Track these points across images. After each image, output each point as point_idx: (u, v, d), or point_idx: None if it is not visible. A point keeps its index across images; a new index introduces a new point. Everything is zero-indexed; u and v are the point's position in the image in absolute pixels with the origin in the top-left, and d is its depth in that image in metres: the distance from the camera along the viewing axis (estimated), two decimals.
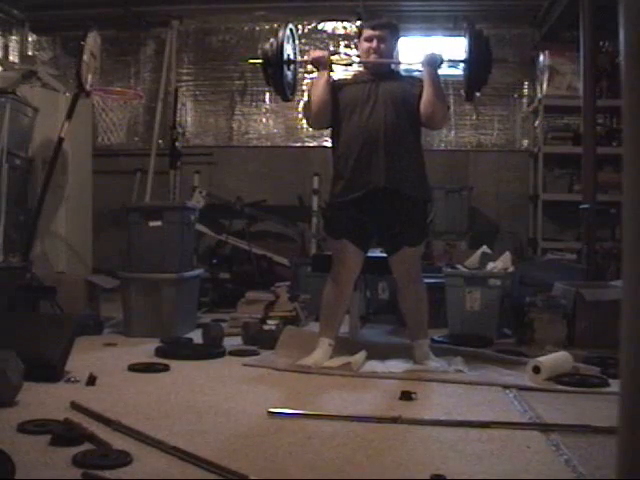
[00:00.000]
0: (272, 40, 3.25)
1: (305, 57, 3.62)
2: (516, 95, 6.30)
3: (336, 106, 3.27)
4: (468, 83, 3.24)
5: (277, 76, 3.24)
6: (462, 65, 3.26)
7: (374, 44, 3.34)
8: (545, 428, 2.23)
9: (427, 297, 3.33)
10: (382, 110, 3.18)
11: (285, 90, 3.32)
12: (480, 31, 3.16)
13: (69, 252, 4.90)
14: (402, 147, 3.18)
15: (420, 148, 3.33)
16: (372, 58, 3.36)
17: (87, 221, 5.30)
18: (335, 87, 3.33)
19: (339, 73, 6.04)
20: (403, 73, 3.88)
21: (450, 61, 3.39)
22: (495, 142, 6.31)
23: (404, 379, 2.96)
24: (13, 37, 6.53)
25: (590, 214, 4.60)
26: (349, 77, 3.53)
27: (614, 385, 2.76)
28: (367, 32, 3.39)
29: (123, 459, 1.86)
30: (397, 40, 3.46)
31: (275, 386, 2.86)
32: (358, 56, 3.50)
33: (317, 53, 3.46)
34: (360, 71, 3.60)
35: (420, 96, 3.23)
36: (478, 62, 3.11)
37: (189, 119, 6.53)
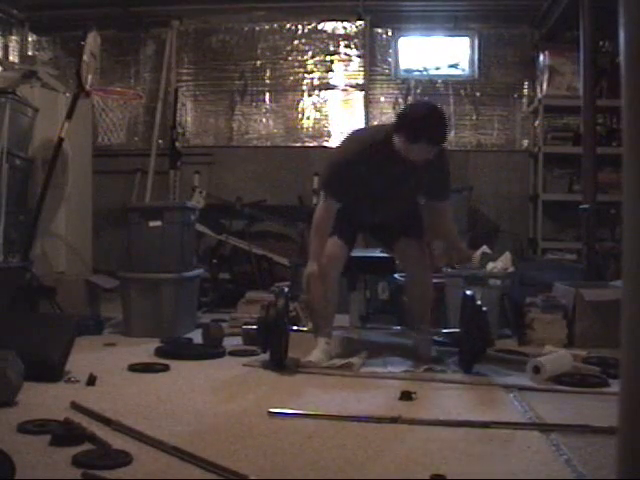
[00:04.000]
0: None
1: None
2: (516, 95, 6.30)
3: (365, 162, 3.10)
4: (466, 357, 3.12)
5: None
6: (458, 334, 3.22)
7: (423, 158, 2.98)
8: (545, 428, 2.23)
9: (433, 288, 3.40)
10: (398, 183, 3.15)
11: None
12: (480, 308, 3.08)
13: (69, 252, 4.90)
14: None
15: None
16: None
17: (87, 221, 5.30)
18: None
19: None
20: None
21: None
22: (495, 142, 6.31)
23: (404, 379, 2.97)
24: (13, 37, 6.53)
25: (590, 214, 4.60)
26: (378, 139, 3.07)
27: (614, 385, 2.76)
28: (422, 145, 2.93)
29: (123, 459, 1.86)
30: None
31: (275, 386, 2.85)
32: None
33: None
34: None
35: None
36: (474, 337, 3.04)
37: (189, 119, 6.52)
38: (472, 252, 3.27)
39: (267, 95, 6.45)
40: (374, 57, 6.38)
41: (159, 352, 3.41)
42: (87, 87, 4.30)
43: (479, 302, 3.06)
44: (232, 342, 3.72)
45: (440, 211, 3.28)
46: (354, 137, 3.26)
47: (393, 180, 3.11)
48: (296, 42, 6.43)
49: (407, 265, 3.43)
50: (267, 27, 6.45)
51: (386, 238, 3.49)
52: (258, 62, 6.45)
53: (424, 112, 2.93)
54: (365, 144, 3.08)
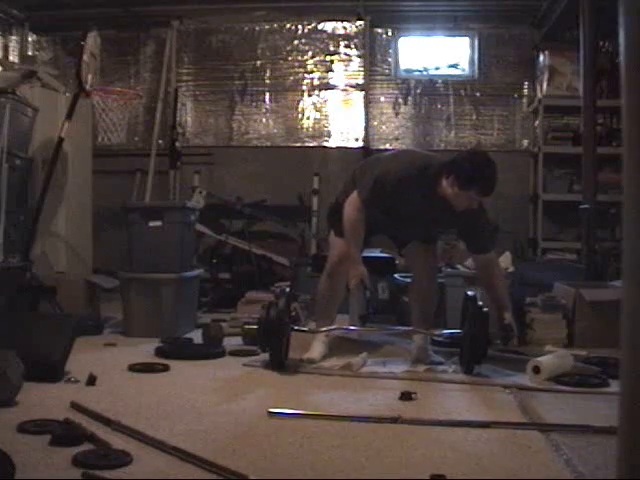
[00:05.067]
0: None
1: None
2: (516, 95, 6.30)
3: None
4: (467, 358, 3.10)
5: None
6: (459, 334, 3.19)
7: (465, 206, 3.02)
8: (545, 428, 2.23)
9: (438, 296, 3.46)
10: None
11: None
12: (481, 308, 3.06)
13: (69, 252, 4.90)
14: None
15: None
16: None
17: (87, 221, 5.29)
18: None
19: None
20: None
21: None
22: (495, 142, 6.30)
23: (404, 379, 2.97)
24: (13, 37, 6.52)
25: (590, 214, 4.60)
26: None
27: (614, 385, 2.76)
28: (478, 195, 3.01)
29: (123, 459, 1.86)
30: None
31: (275, 386, 2.85)
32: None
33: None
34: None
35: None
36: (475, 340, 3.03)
37: (189, 119, 6.52)
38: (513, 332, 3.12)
39: (267, 95, 6.45)
40: (374, 57, 6.38)
41: (159, 352, 3.41)
42: (87, 87, 4.30)
43: (481, 303, 3.06)
44: (232, 342, 3.72)
45: (483, 263, 3.22)
46: (406, 160, 3.21)
47: (425, 215, 3.14)
48: (296, 42, 6.43)
49: (413, 270, 3.49)
50: (267, 27, 6.46)
51: (397, 239, 3.53)
52: (258, 62, 6.45)
53: (481, 162, 2.96)
54: (413, 173, 3.08)
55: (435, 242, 3.45)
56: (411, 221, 3.21)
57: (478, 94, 6.30)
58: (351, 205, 3.12)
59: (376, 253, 3.81)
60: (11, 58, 6.32)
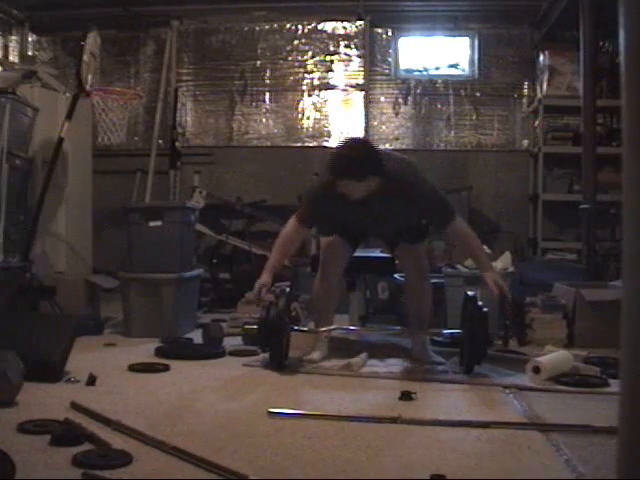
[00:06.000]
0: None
1: None
2: (516, 95, 6.30)
3: None
4: (467, 358, 3.08)
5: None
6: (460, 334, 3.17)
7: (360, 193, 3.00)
8: (545, 428, 2.23)
9: (431, 295, 3.41)
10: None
11: None
12: (481, 309, 3.04)
13: (69, 252, 4.89)
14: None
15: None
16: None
17: (87, 221, 5.29)
18: None
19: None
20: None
21: None
22: (495, 142, 6.31)
23: (404, 379, 2.97)
24: (13, 37, 6.52)
25: (590, 214, 4.60)
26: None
27: (614, 385, 2.76)
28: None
29: (123, 459, 1.86)
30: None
31: (275, 386, 2.85)
32: None
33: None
34: None
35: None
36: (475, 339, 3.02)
37: (189, 119, 6.52)
38: (500, 281, 3.06)
39: (267, 95, 6.45)
40: (374, 57, 6.38)
41: (159, 352, 3.41)
42: (87, 87, 4.30)
43: (480, 303, 3.06)
44: (232, 342, 3.72)
45: (452, 235, 3.20)
46: (323, 173, 3.27)
47: (366, 212, 3.10)
48: (296, 42, 6.43)
49: (405, 271, 3.49)
50: (267, 27, 6.46)
51: (387, 241, 3.55)
52: (258, 62, 6.45)
53: (340, 149, 2.97)
54: (323, 181, 3.12)
55: (419, 242, 3.38)
56: (364, 221, 3.20)
57: (478, 94, 6.30)
58: (289, 222, 3.21)
59: (376, 253, 3.81)
60: (11, 58, 6.32)
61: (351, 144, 3.01)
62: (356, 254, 3.58)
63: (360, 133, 6.29)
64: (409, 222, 3.28)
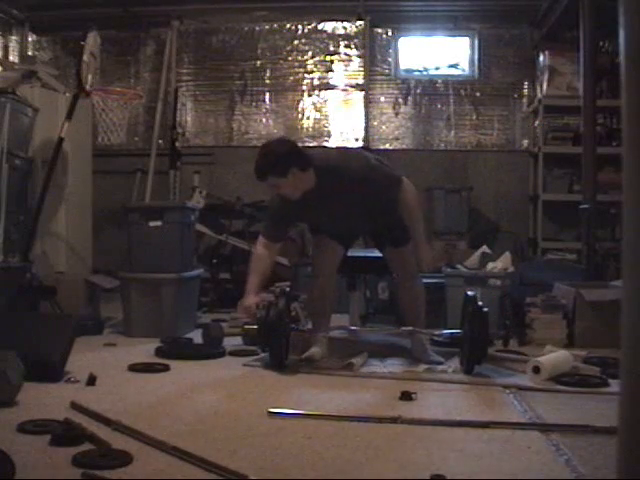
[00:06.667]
0: None
1: None
2: (516, 95, 6.30)
3: None
4: (467, 358, 3.09)
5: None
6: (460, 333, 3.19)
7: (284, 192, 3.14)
8: (545, 428, 2.23)
9: (424, 293, 3.43)
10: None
11: None
12: (481, 309, 3.04)
13: (69, 252, 4.90)
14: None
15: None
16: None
17: (87, 221, 5.29)
18: None
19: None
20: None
21: None
22: (495, 142, 6.31)
23: (404, 379, 2.97)
24: (13, 37, 6.53)
25: (590, 214, 4.60)
26: None
27: (614, 385, 2.76)
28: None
29: (123, 459, 1.86)
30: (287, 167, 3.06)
31: (275, 386, 2.85)
32: None
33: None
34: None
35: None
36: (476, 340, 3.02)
37: (189, 119, 6.52)
38: (432, 257, 3.19)
39: (267, 95, 6.45)
40: (374, 57, 6.38)
41: (159, 352, 3.41)
42: (87, 87, 4.30)
43: (480, 303, 3.06)
44: (232, 342, 3.72)
45: (401, 205, 3.22)
46: None
47: (323, 209, 3.19)
48: (296, 42, 6.43)
49: (394, 272, 3.50)
50: (267, 27, 6.46)
51: (377, 244, 3.55)
52: (258, 62, 6.45)
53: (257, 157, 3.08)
54: (276, 195, 3.22)
55: (403, 244, 3.36)
56: (333, 218, 3.27)
57: (478, 94, 6.29)
58: (258, 241, 3.29)
59: (376, 253, 3.80)
60: (11, 58, 6.32)
61: (263, 146, 3.19)
62: (356, 254, 3.57)
63: (360, 133, 6.30)
64: (384, 218, 3.31)
